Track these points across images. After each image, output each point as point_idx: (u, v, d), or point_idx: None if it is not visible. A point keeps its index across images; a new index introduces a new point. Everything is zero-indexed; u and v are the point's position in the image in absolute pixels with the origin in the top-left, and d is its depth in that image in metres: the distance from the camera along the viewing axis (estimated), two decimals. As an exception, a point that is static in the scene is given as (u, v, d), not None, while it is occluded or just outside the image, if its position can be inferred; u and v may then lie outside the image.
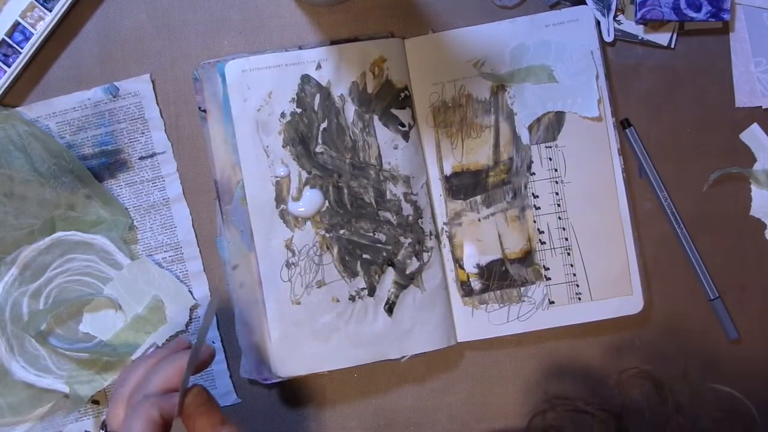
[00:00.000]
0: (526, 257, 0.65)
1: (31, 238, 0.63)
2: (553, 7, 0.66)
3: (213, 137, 0.65)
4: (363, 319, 0.64)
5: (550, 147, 0.65)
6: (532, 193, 0.65)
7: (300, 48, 0.65)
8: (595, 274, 0.65)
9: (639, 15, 0.65)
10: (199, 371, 0.54)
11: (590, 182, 0.65)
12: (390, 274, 0.64)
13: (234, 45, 0.66)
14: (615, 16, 0.66)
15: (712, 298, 0.66)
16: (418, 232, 0.65)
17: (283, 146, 0.64)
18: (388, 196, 0.65)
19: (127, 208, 0.65)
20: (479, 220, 0.65)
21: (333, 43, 0.65)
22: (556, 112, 0.65)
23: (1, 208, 0.63)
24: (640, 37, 0.66)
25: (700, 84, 0.67)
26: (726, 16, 0.65)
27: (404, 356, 0.64)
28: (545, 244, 0.65)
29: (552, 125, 0.65)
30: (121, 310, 0.64)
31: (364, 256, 0.64)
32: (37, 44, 0.64)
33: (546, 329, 0.65)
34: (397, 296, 0.64)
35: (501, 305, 0.65)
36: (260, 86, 0.64)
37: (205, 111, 0.65)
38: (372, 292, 0.64)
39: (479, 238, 0.65)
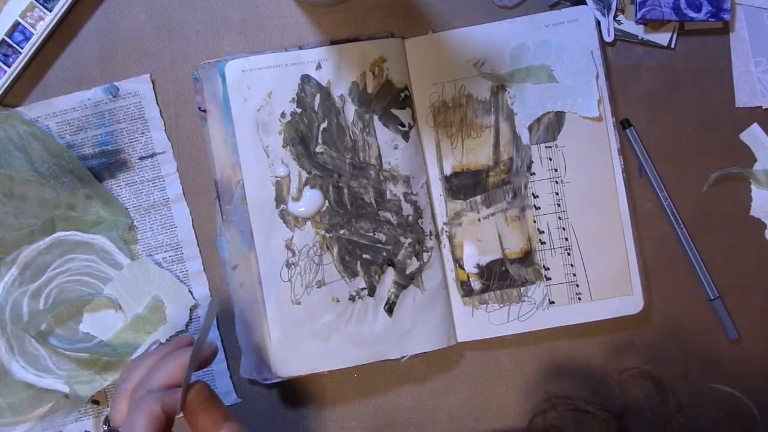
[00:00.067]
0: (526, 257, 0.65)
1: (31, 238, 0.63)
2: (553, 7, 0.66)
3: (213, 137, 0.65)
4: (363, 319, 0.64)
5: (550, 147, 0.65)
6: (532, 193, 0.65)
7: (300, 48, 0.65)
8: (595, 274, 0.65)
9: (639, 15, 0.65)
10: (201, 368, 0.55)
11: (590, 182, 0.65)
12: (390, 274, 0.64)
13: (234, 45, 0.66)
14: (615, 16, 0.66)
15: (712, 298, 0.66)
16: (418, 232, 0.65)
17: (283, 146, 0.64)
18: (388, 196, 0.65)
19: (127, 208, 0.65)
20: (479, 220, 0.66)
21: (333, 43, 0.65)
22: (556, 112, 0.65)
23: (1, 208, 0.63)
24: (640, 37, 0.66)
25: (700, 84, 0.67)
26: (726, 16, 0.65)
27: (404, 356, 0.64)
28: (545, 244, 0.65)
29: (552, 125, 0.65)
30: (121, 310, 0.64)
31: (364, 256, 0.64)
32: (37, 44, 0.64)
33: (546, 329, 0.65)
34: (397, 296, 0.64)
35: (501, 305, 0.65)
36: (260, 86, 0.64)
37: (205, 111, 0.65)
38: (372, 292, 0.64)
39: (479, 238, 0.65)
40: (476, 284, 0.65)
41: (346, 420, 0.66)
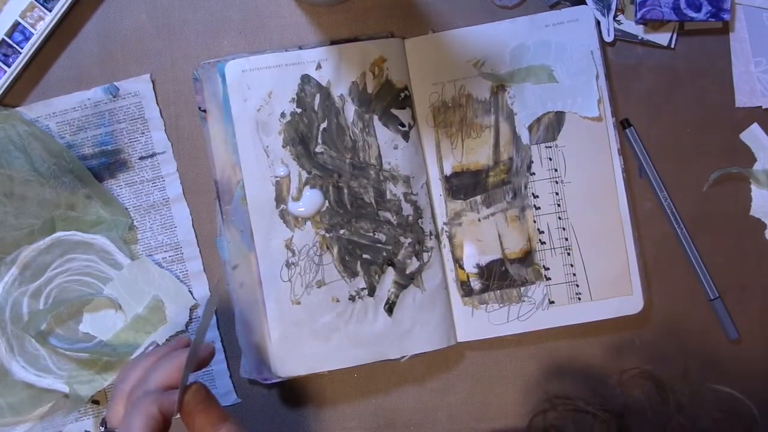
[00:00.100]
0: (526, 257, 0.65)
1: (31, 238, 0.63)
2: (553, 7, 0.66)
3: (213, 137, 0.65)
4: (363, 319, 0.64)
5: (550, 147, 0.65)
6: (532, 193, 0.65)
7: (300, 48, 0.65)
8: (595, 274, 0.65)
9: (639, 15, 0.65)
10: (199, 369, 0.54)
11: (590, 182, 0.65)
12: (390, 274, 0.64)
13: (234, 45, 0.66)
14: (615, 16, 0.66)
15: (712, 298, 0.66)
16: (418, 232, 0.65)
17: (283, 146, 0.64)
18: (388, 196, 0.65)
19: (127, 208, 0.65)
20: (479, 220, 0.66)
21: (333, 43, 0.65)
22: (556, 112, 0.65)
23: (1, 208, 0.63)
24: (640, 37, 0.66)
25: (700, 84, 0.67)
26: (726, 16, 0.65)
27: (404, 356, 0.64)
28: (545, 244, 0.65)
29: (552, 125, 0.65)
30: (121, 310, 0.64)
31: (364, 256, 0.64)
32: (37, 44, 0.64)
33: (546, 329, 0.65)
34: (397, 296, 0.64)
35: (501, 305, 0.65)
36: (260, 86, 0.64)
37: (205, 111, 0.65)
38: (372, 292, 0.64)
39: (479, 238, 0.65)
40: (476, 284, 0.65)
41: (346, 420, 0.66)
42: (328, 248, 0.64)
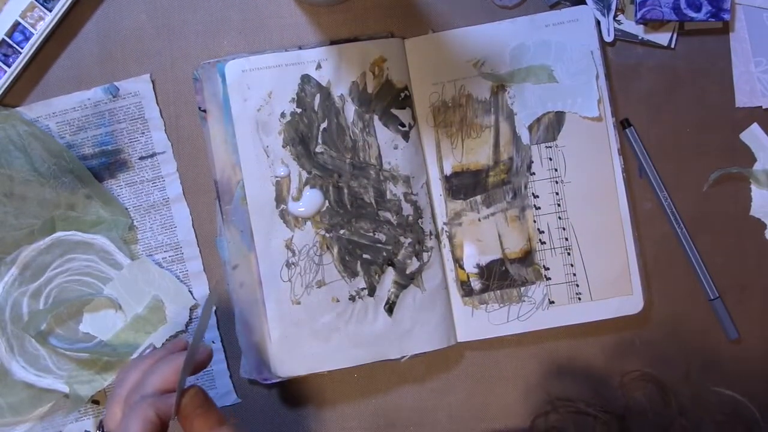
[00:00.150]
0: (526, 257, 0.65)
1: (31, 238, 0.63)
2: (553, 7, 0.66)
3: (213, 137, 0.65)
4: (363, 319, 0.64)
5: (550, 147, 0.65)
6: (532, 193, 0.65)
7: (300, 48, 0.65)
8: (595, 274, 0.65)
9: (639, 15, 0.65)
10: (197, 372, 0.54)
11: (590, 182, 0.65)
12: (390, 274, 0.64)
13: (234, 45, 0.66)
14: (615, 16, 0.66)
15: (712, 298, 0.66)
16: (418, 232, 0.65)
17: (283, 146, 0.64)
18: (388, 196, 0.65)
19: (127, 208, 0.65)
20: (479, 220, 0.66)
21: (333, 43, 0.65)
22: (556, 112, 0.65)
23: (1, 208, 0.63)
24: (640, 37, 0.66)
25: (700, 84, 0.67)
26: (726, 16, 0.65)
27: (404, 356, 0.64)
28: (545, 244, 0.65)
29: (552, 125, 0.65)
30: (121, 310, 0.64)
31: (364, 256, 0.64)
32: (37, 44, 0.64)
33: (546, 329, 0.65)
34: (397, 296, 0.64)
35: (501, 305, 0.65)
36: (260, 86, 0.64)
37: (205, 111, 0.65)
38: (372, 292, 0.64)
39: (479, 238, 0.65)
40: (476, 284, 0.65)
41: (346, 420, 0.66)
42: (328, 248, 0.64)
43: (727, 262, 0.67)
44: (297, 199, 0.64)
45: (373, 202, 0.65)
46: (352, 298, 0.64)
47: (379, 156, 0.65)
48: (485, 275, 0.65)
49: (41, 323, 0.62)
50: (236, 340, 0.64)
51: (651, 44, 0.66)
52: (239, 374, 0.65)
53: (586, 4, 0.65)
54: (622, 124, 0.66)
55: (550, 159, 0.65)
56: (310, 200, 0.64)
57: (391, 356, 0.64)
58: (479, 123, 0.66)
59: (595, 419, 0.64)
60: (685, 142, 0.67)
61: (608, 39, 0.66)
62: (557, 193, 0.65)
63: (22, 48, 0.64)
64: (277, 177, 0.64)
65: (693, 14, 0.65)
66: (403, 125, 0.65)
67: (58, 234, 0.63)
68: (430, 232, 0.65)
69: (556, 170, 0.65)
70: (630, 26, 0.66)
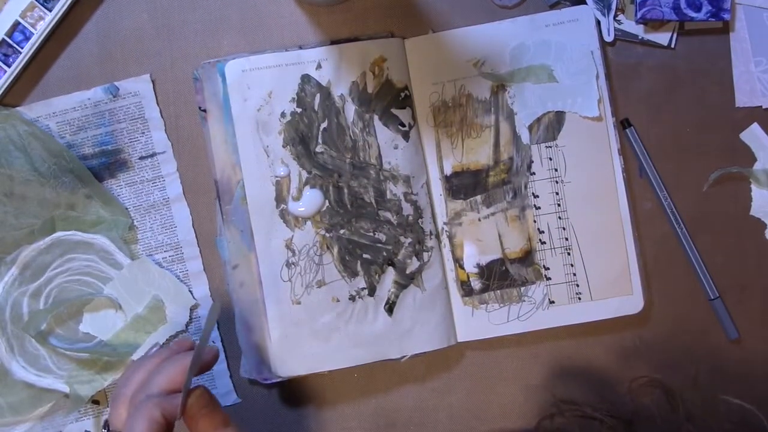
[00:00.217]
0: (526, 257, 0.65)
1: (31, 237, 0.63)
2: (553, 6, 0.66)
3: (213, 137, 0.65)
4: (363, 318, 0.64)
5: (550, 147, 0.65)
6: (532, 193, 0.65)
7: (300, 48, 0.65)
8: (595, 273, 0.65)
9: (639, 15, 0.65)
10: (202, 372, 0.54)
11: (590, 182, 0.65)
12: (390, 274, 0.64)
13: (234, 45, 0.66)
14: (615, 15, 0.66)
15: (712, 297, 0.66)
16: (418, 231, 0.65)
17: (283, 146, 0.64)
18: (389, 195, 0.65)
19: (127, 208, 0.65)
20: (479, 219, 0.66)
21: (333, 42, 0.65)
22: (556, 111, 0.65)
23: (1, 208, 0.63)
24: (640, 37, 0.66)
25: (700, 84, 0.67)
26: (726, 16, 0.65)
27: (404, 356, 0.64)
28: (545, 243, 0.65)
29: (552, 125, 0.65)
30: (121, 310, 0.64)
31: (365, 255, 0.64)
32: (37, 44, 0.64)
33: (546, 329, 0.65)
34: (397, 296, 0.64)
35: (501, 305, 0.65)
36: (260, 86, 0.64)
37: (205, 111, 0.65)
38: (372, 291, 0.64)
39: (479, 237, 0.65)
40: (476, 284, 0.65)
41: (347, 420, 0.66)
42: (328, 248, 0.64)
43: (727, 262, 0.67)
44: (297, 198, 0.64)
45: (373, 201, 0.65)
46: (352, 298, 0.64)
47: (379, 156, 0.65)
48: (485, 275, 0.65)
49: (41, 323, 0.62)
50: (236, 340, 0.64)
51: (651, 44, 0.66)
52: (239, 374, 0.65)
53: (586, 3, 0.65)
54: (622, 124, 0.66)
55: (550, 159, 0.65)
56: (310, 200, 0.64)
57: (391, 356, 0.64)
58: (479, 123, 0.66)
59: (601, 423, 0.64)
60: (685, 142, 0.67)
61: (608, 39, 0.66)
62: (557, 193, 0.65)
63: (22, 48, 0.64)
64: (277, 177, 0.64)
65: (693, 14, 0.65)
66: (403, 125, 0.65)
67: (58, 234, 0.63)
68: (430, 231, 0.65)
69: (556, 170, 0.65)
70: (630, 26, 0.66)
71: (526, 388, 0.67)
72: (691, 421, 0.65)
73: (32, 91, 0.65)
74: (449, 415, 0.67)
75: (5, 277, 0.63)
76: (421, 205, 0.65)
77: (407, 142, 0.65)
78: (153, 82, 0.65)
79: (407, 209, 0.65)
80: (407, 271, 0.65)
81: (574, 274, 0.65)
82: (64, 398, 0.63)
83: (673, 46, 0.66)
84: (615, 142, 0.65)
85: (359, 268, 0.64)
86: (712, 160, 0.67)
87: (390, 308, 0.64)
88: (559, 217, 0.65)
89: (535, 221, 0.65)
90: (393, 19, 0.66)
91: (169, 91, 0.66)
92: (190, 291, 0.65)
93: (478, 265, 0.65)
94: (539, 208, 0.65)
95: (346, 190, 0.64)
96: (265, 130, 0.64)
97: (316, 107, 0.64)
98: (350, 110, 0.64)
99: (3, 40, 0.64)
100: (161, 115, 0.65)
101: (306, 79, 0.64)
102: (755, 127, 0.66)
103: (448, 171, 0.66)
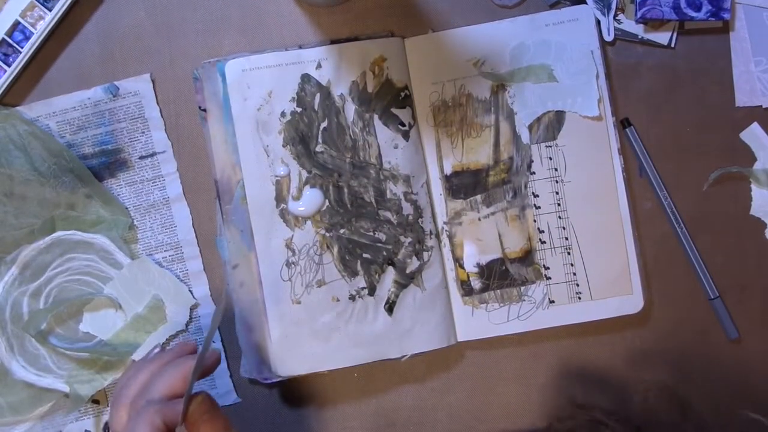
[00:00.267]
0: (526, 256, 0.65)
1: (31, 237, 0.63)
2: (553, 6, 0.66)
3: (213, 137, 0.65)
4: (363, 318, 0.64)
5: (551, 146, 0.65)
6: (532, 193, 0.65)
7: (300, 47, 0.65)
8: (595, 273, 0.65)
9: (639, 14, 0.65)
10: (204, 376, 0.54)
11: (590, 182, 0.65)
12: (390, 274, 0.64)
13: (234, 44, 0.66)
14: (615, 15, 0.66)
15: (712, 297, 0.66)
16: (419, 231, 0.65)
17: (283, 145, 0.64)
18: (389, 195, 0.65)
19: (127, 208, 0.65)
20: (479, 219, 0.66)
21: (333, 42, 0.65)
22: (556, 111, 0.65)
23: (1, 208, 0.63)
24: (640, 37, 0.66)
25: (700, 83, 0.67)
26: (726, 16, 0.65)
27: (404, 356, 0.64)
28: (545, 243, 0.65)
29: (552, 124, 0.65)
30: (121, 310, 0.64)
31: (365, 255, 0.64)
32: (37, 44, 0.64)
33: (546, 328, 0.65)
34: (397, 295, 0.64)
35: (501, 304, 0.65)
36: (260, 85, 0.64)
37: (205, 110, 0.65)
38: (372, 291, 0.64)
39: (479, 237, 0.65)
40: (476, 283, 0.65)
41: (347, 419, 0.66)
42: (328, 248, 0.64)
43: (727, 261, 0.67)
44: (297, 198, 0.64)
45: (373, 201, 0.65)
46: (352, 298, 0.64)
47: (379, 155, 0.65)
48: (485, 275, 0.65)
49: (41, 323, 0.62)
50: (236, 340, 0.64)
51: (651, 44, 0.66)
52: (239, 374, 0.65)
53: (586, 3, 0.65)
54: (622, 124, 0.66)
55: (550, 158, 0.65)
56: (310, 200, 0.64)
57: (391, 356, 0.64)
58: (479, 122, 0.66)
59: (611, 429, 0.64)
60: (685, 142, 0.67)
61: (608, 38, 0.66)
62: (557, 193, 0.65)
63: (22, 47, 0.64)
64: (277, 176, 0.64)
65: (693, 13, 0.65)
66: (403, 125, 0.65)
67: (58, 233, 0.63)
68: (430, 231, 0.65)
69: (556, 170, 0.65)
70: (630, 26, 0.66)
71: (526, 388, 0.67)
72: (702, 431, 0.64)
73: (32, 91, 0.65)
74: (449, 414, 0.67)
75: (5, 276, 0.63)
76: (421, 205, 0.65)
77: (407, 141, 0.65)
78: (153, 81, 0.65)
79: (407, 209, 0.65)
80: (407, 271, 0.65)
81: (574, 274, 0.65)
82: (64, 398, 0.63)
83: (673, 45, 0.66)
84: (615, 142, 0.65)
85: (359, 267, 0.64)
86: (712, 160, 0.67)
87: (390, 308, 0.64)
88: (559, 217, 0.65)
89: (535, 221, 0.65)
90: (393, 18, 0.66)
91: (169, 91, 0.66)
92: (190, 290, 0.65)
93: (478, 265, 0.65)
94: (539, 207, 0.65)
95: (346, 190, 0.64)
96: (265, 129, 0.64)
97: (316, 107, 0.64)
98: (350, 110, 0.64)
99: (3, 39, 0.64)
100: (161, 115, 0.65)
101: (306, 78, 0.64)
102: (755, 126, 0.66)
103: (448, 170, 0.66)
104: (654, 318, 0.67)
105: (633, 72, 0.67)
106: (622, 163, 0.65)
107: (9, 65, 0.64)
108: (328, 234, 0.64)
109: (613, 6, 0.65)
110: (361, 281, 0.64)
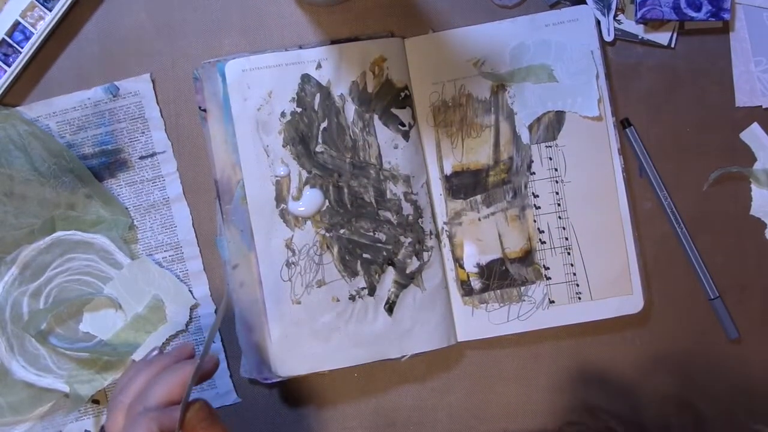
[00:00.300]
0: (526, 257, 0.65)
1: (31, 237, 0.63)
2: (553, 6, 0.66)
3: (213, 137, 0.65)
4: (363, 318, 0.64)
5: (551, 146, 0.65)
6: (532, 193, 0.65)
7: (300, 47, 0.65)
8: (595, 273, 0.65)
9: (639, 14, 0.65)
10: (202, 381, 0.53)
11: (590, 182, 0.65)
12: (390, 274, 0.64)
13: (234, 44, 0.66)
14: (615, 15, 0.66)
15: (712, 297, 0.66)
16: (419, 231, 0.65)
17: (283, 146, 0.64)
18: (389, 195, 0.65)
19: (127, 208, 0.65)
20: (479, 219, 0.66)
21: (333, 42, 0.65)
22: (556, 111, 0.65)
23: (1, 208, 0.63)
24: (640, 37, 0.66)
25: (700, 84, 0.67)
26: (726, 16, 0.65)
27: (404, 356, 0.64)
28: (545, 243, 0.65)
29: (552, 125, 0.65)
30: (121, 310, 0.64)
31: (365, 255, 0.64)
32: (37, 44, 0.64)
33: (546, 329, 0.65)
34: (397, 296, 0.64)
35: (501, 305, 0.65)
36: (260, 86, 0.64)
37: (205, 110, 0.65)
38: (372, 291, 0.64)
39: (479, 237, 0.65)
40: (476, 284, 0.65)
41: (347, 419, 0.66)
42: (328, 248, 0.64)
43: (727, 261, 0.67)
44: (297, 198, 0.64)
45: (373, 201, 0.65)
46: (352, 298, 0.64)
47: (379, 155, 0.65)
48: (485, 275, 0.65)
49: (41, 323, 0.62)
50: (236, 340, 0.64)
51: (651, 44, 0.66)
52: (239, 374, 0.65)
53: (586, 3, 0.65)
54: (622, 124, 0.66)
55: (550, 158, 0.65)
56: (310, 200, 0.64)
57: (391, 356, 0.64)
58: (479, 122, 0.66)
59: None
60: (685, 142, 0.67)
61: (608, 38, 0.66)
62: (557, 193, 0.65)
63: (22, 47, 0.64)
64: (277, 176, 0.64)
65: (693, 14, 0.65)
66: (403, 125, 0.65)
67: (58, 233, 0.63)
68: (430, 231, 0.65)
69: (556, 170, 0.65)
70: (630, 26, 0.66)
71: (526, 388, 0.67)
72: None
73: (32, 91, 0.65)
74: (449, 414, 0.67)
75: (5, 276, 0.63)
76: (421, 205, 0.65)
77: (407, 141, 0.65)
78: (153, 81, 0.65)
79: (407, 209, 0.65)
80: (407, 271, 0.65)
81: (574, 274, 0.65)
82: (64, 398, 0.63)
83: (673, 45, 0.66)
84: (615, 142, 0.65)
85: (359, 267, 0.64)
86: (712, 160, 0.67)
87: (390, 308, 0.64)
88: (559, 217, 0.65)
89: (535, 221, 0.65)
90: (393, 18, 0.66)
91: (169, 91, 0.66)
92: (190, 291, 0.65)
93: (478, 265, 0.65)
94: (539, 207, 0.65)
95: (346, 190, 0.64)
96: (265, 129, 0.64)
97: (316, 107, 0.64)
98: (350, 110, 0.64)
99: (3, 39, 0.64)
100: (161, 115, 0.65)
101: (306, 78, 0.64)
102: (755, 126, 0.66)
103: (448, 171, 0.66)
104: (654, 318, 0.67)
105: (633, 72, 0.67)
106: (622, 163, 0.65)
107: (9, 65, 0.64)
108: (328, 234, 0.64)
109: (613, 6, 0.65)
110: (361, 281, 0.64)
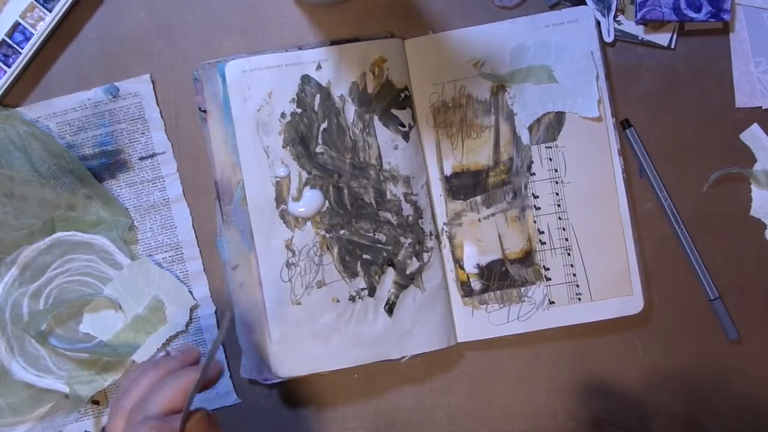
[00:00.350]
0: (526, 257, 0.65)
1: (31, 238, 0.63)
2: (553, 7, 0.66)
3: (213, 137, 0.65)
4: (363, 319, 0.64)
5: (551, 147, 0.65)
6: (532, 194, 0.65)
7: (300, 48, 0.65)
8: (595, 274, 0.65)
9: (639, 15, 0.65)
10: (205, 389, 0.52)
11: (590, 182, 0.65)
12: (390, 275, 0.64)
13: (234, 45, 0.66)
14: (615, 16, 0.66)
15: (712, 298, 0.66)
16: (418, 232, 0.65)
17: (283, 146, 0.64)
18: (388, 196, 0.65)
19: (127, 209, 0.65)
20: (479, 220, 0.66)
21: (333, 43, 0.65)
22: (556, 112, 0.65)
23: (1, 209, 0.63)
24: (640, 38, 0.66)
25: (700, 84, 0.67)
26: (726, 17, 0.65)
27: (404, 356, 0.64)
28: (545, 244, 0.65)
29: (552, 125, 0.65)
30: (121, 311, 0.64)
31: (365, 256, 0.64)
32: (37, 44, 0.64)
33: (546, 329, 0.65)
34: (397, 296, 0.64)
35: (501, 305, 0.65)
36: (260, 86, 0.64)
37: (205, 111, 0.65)
38: (372, 292, 0.64)
39: (479, 238, 0.65)
40: (476, 284, 0.65)
41: (347, 420, 0.66)
42: (328, 248, 0.64)
43: (727, 262, 0.67)
44: (297, 199, 0.64)
45: (373, 202, 0.65)
46: (352, 299, 0.64)
47: (379, 156, 0.65)
48: (485, 275, 0.65)
49: (41, 323, 0.62)
50: (236, 340, 0.64)
51: (651, 45, 0.66)
52: (239, 374, 0.65)
53: (586, 4, 0.65)
54: (622, 125, 0.66)
55: (550, 159, 0.65)
56: (310, 200, 0.64)
57: (391, 356, 0.64)
58: (479, 123, 0.66)
59: None
60: (685, 143, 0.67)
61: (608, 39, 0.66)
62: (557, 194, 0.65)
63: (22, 48, 0.64)
64: (277, 177, 0.64)
65: (693, 14, 0.65)
66: (403, 125, 0.65)
67: (58, 234, 0.63)
68: (430, 232, 0.65)
69: (556, 170, 0.65)
70: (630, 27, 0.66)
71: (526, 389, 0.67)
72: None
73: (32, 92, 0.65)
74: (449, 415, 0.67)
75: (5, 277, 0.63)
76: (421, 206, 0.65)
77: (407, 142, 0.65)
78: (153, 82, 0.65)
79: (407, 210, 0.65)
80: (407, 272, 0.65)
81: (574, 275, 0.65)
82: (64, 398, 0.63)
83: (673, 46, 0.66)
84: (615, 143, 0.65)
85: (359, 268, 0.64)
86: (712, 161, 0.67)
87: (390, 309, 0.64)
88: (559, 218, 0.65)
89: (535, 222, 0.65)
90: (393, 19, 0.66)
91: (169, 92, 0.66)
92: (190, 291, 0.65)
93: (478, 266, 0.65)
94: (539, 208, 0.65)
95: (346, 191, 0.64)
96: (265, 130, 0.64)
97: (316, 108, 0.64)
98: (350, 111, 0.64)
99: (3, 40, 0.64)
100: (161, 116, 0.65)
101: (306, 79, 0.64)
102: (755, 127, 0.66)
103: (448, 171, 0.66)
104: (654, 319, 0.67)
105: (633, 73, 0.66)
106: (622, 164, 0.65)
107: (9, 66, 0.64)
108: (328, 235, 0.64)
109: (613, 7, 0.65)
110: (361, 282, 0.64)
